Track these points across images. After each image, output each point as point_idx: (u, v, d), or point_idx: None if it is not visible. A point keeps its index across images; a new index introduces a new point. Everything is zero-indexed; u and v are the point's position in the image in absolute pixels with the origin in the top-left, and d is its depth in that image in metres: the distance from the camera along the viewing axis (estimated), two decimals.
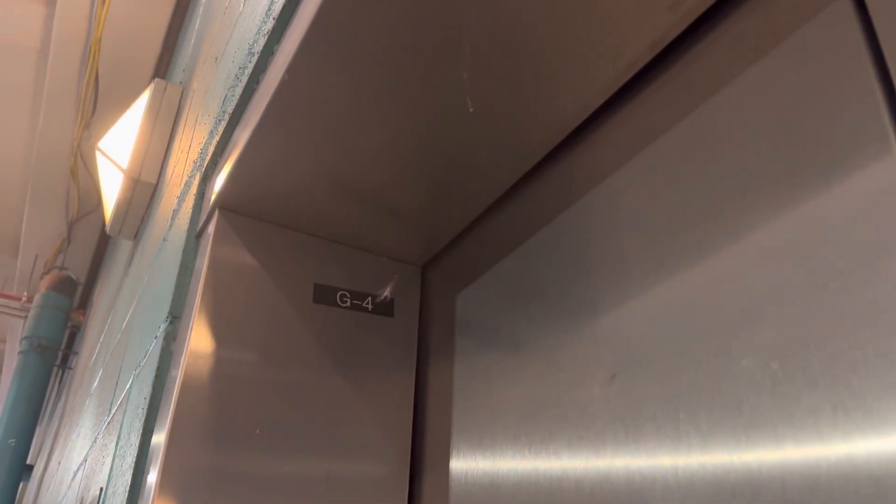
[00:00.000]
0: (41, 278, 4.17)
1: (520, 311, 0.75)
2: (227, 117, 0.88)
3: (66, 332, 4.09)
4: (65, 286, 3.89)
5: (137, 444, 0.80)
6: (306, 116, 0.73)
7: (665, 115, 0.63)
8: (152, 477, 0.72)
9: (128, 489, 0.78)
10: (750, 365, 0.48)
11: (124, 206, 1.73)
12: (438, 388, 0.85)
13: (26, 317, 4.12)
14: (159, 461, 0.71)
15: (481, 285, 0.83)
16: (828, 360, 0.42)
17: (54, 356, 3.82)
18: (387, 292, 0.91)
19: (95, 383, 1.70)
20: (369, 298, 0.90)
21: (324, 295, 0.87)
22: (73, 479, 1.51)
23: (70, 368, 4.16)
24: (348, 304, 0.88)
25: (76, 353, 3.98)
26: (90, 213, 3.98)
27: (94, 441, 1.30)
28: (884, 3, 0.46)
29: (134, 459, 0.79)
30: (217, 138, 0.90)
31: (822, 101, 0.48)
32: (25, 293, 4.56)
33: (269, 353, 0.81)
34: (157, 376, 0.83)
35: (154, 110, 1.71)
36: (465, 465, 0.76)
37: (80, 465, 1.42)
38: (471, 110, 0.67)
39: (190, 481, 0.72)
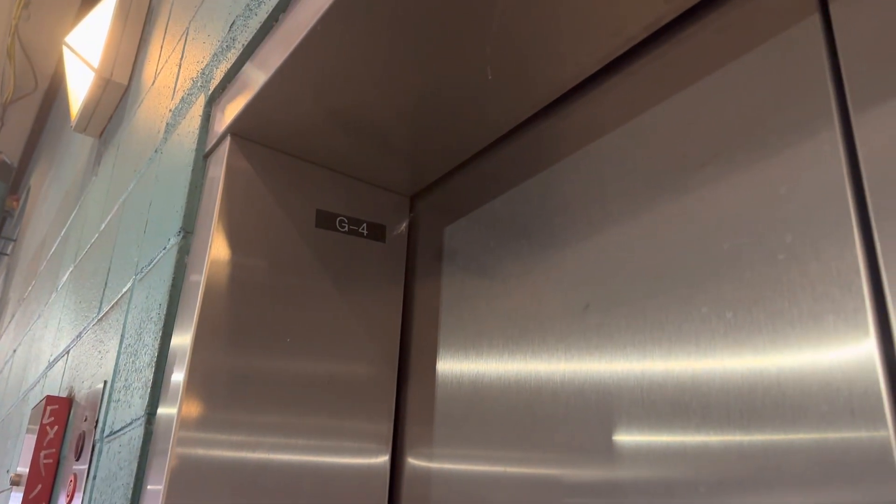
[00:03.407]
0: None
1: (506, 248, 0.86)
2: (239, 46, 0.93)
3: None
4: (1, 171, 3.79)
5: (157, 346, 0.89)
6: (328, 64, 0.80)
7: (652, 89, 0.73)
8: (178, 376, 0.82)
9: (149, 385, 0.87)
10: (708, 312, 0.60)
11: (92, 105, 1.73)
12: (427, 307, 0.96)
13: None
14: (186, 361, 0.81)
15: (469, 221, 0.94)
16: (771, 315, 0.55)
17: None
18: (379, 219, 1.01)
19: (64, 278, 1.75)
20: (364, 225, 0.99)
21: (325, 220, 0.96)
22: (49, 368, 1.59)
23: (5, 255, 4.10)
24: (346, 229, 0.97)
25: (13, 241, 3.91)
26: (26, 96, 3.84)
27: (79, 336, 1.37)
28: (846, 25, 0.57)
29: (153, 359, 0.89)
30: (227, 65, 0.95)
31: (785, 100, 0.60)
32: None
33: (279, 269, 0.91)
34: (172, 285, 0.91)
35: (124, 9, 1.69)
36: (452, 373, 0.88)
37: (60, 356, 1.49)
38: (490, 77, 0.76)
39: (212, 379, 0.82)
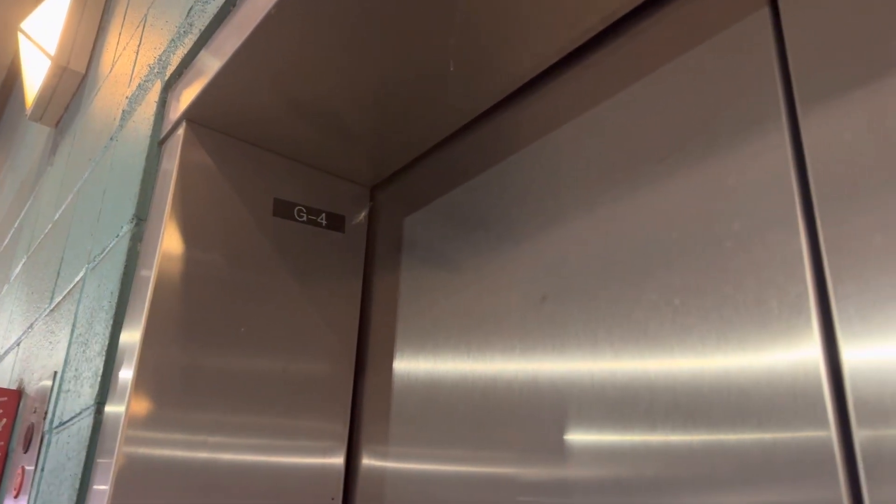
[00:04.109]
0: None
1: (464, 239, 0.86)
2: (196, 32, 0.91)
3: None
4: None
5: (107, 335, 0.87)
6: (285, 50, 0.79)
7: (608, 82, 0.73)
8: (127, 373, 0.80)
9: (99, 374, 0.85)
10: (657, 299, 0.61)
11: (49, 93, 1.69)
12: (385, 299, 0.96)
13: None
14: (135, 357, 0.79)
15: (428, 212, 0.93)
16: (717, 300, 0.55)
17: None
18: (338, 210, 1.00)
19: (17, 270, 1.70)
20: (323, 214, 0.98)
21: (283, 209, 0.95)
22: None
23: None
24: (304, 218, 0.96)
25: None
26: None
27: (31, 327, 1.34)
28: (793, 17, 0.58)
29: (104, 348, 0.87)
30: (184, 51, 0.93)
31: (735, 92, 0.60)
32: None
33: (234, 259, 0.89)
34: (125, 273, 0.89)
35: None
36: (408, 365, 0.88)
37: (11, 348, 1.46)
38: (452, 69, 0.76)
39: (163, 375, 0.80)
